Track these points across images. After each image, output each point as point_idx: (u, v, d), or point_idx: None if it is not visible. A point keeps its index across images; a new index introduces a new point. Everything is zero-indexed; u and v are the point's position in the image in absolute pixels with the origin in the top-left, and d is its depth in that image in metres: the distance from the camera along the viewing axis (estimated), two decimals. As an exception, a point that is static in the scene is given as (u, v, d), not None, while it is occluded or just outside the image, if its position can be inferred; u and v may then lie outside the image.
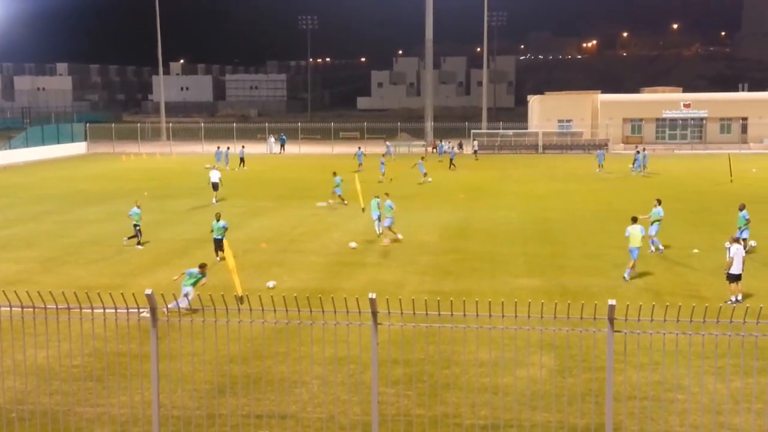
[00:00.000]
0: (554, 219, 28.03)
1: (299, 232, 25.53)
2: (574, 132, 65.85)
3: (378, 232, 23.42)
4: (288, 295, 16.30)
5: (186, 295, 14.64)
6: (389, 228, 23.12)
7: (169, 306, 13.53)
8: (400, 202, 32.53)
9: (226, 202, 32.51)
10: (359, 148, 49.99)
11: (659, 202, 21.64)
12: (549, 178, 42.89)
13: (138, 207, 22.87)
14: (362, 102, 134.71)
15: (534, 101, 70.88)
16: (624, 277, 18.02)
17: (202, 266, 15.56)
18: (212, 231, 20.37)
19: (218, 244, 20.14)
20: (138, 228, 22.61)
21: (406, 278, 18.62)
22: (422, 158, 44.30)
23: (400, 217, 28.84)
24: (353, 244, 22.82)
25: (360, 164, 46.84)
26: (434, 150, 61.40)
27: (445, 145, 58.86)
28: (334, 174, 31.23)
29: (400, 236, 23.29)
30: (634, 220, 18.86)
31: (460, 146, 63.81)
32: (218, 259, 19.92)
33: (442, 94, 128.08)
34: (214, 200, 32.87)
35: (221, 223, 20.79)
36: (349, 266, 20.01)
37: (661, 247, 21.24)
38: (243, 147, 52.81)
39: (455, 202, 32.92)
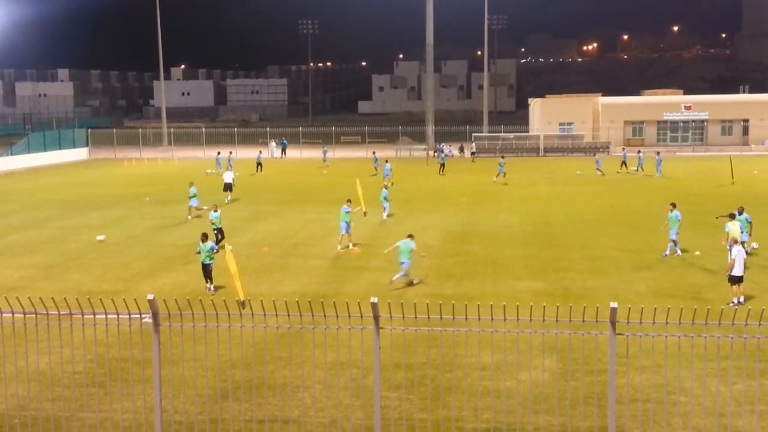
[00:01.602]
0: (556, 222, 28.02)
1: (301, 237, 25.56)
2: (575, 135, 65.86)
3: (348, 243, 23.07)
4: (290, 300, 16.31)
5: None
6: (348, 235, 22.78)
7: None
8: (402, 205, 32.54)
9: (228, 207, 32.56)
10: (374, 152, 49.99)
11: (674, 206, 21.38)
12: (550, 181, 42.88)
13: (216, 210, 22.83)
14: (363, 106, 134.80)
15: (535, 104, 70.94)
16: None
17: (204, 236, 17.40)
18: (198, 253, 17.89)
19: (207, 271, 17.38)
20: (217, 230, 22.56)
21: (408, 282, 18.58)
22: (502, 157, 44.51)
23: (402, 221, 28.85)
24: (338, 248, 22.80)
25: (377, 168, 46.85)
26: (435, 154, 61.47)
27: (446, 148, 58.86)
28: (191, 185, 29.43)
29: (352, 246, 22.79)
30: (732, 216, 18.37)
31: (461, 150, 63.86)
32: (208, 287, 17.33)
33: (443, 97, 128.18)
34: (227, 199, 33.67)
35: (209, 245, 18.07)
36: (351, 270, 20.01)
37: (678, 251, 21.05)
38: (260, 152, 52.74)
39: (457, 205, 32.92)
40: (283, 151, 64.77)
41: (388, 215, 29.67)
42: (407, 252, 18.03)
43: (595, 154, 50.53)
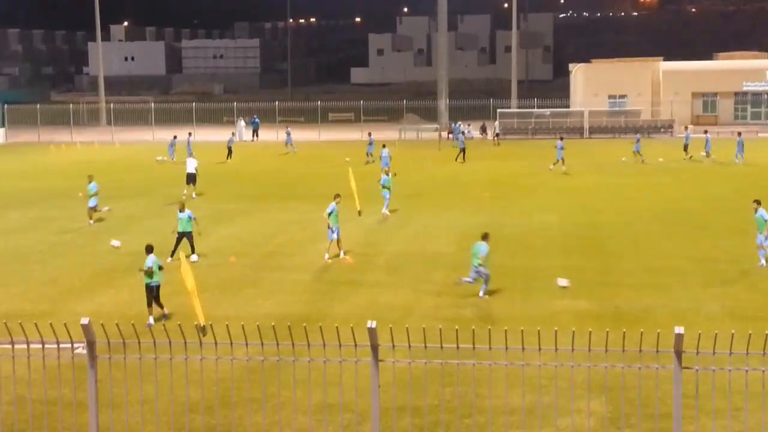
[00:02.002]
0: (605, 222, 28.10)
1: (278, 243, 25.62)
2: (630, 111, 66.03)
3: (337, 252, 23.04)
4: (263, 324, 16.30)
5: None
6: (338, 240, 22.89)
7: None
8: (407, 202, 32.61)
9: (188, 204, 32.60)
10: (370, 134, 49.79)
11: (758, 203, 21.27)
12: (598, 169, 43.00)
13: (183, 211, 22.53)
14: (357, 74, 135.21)
15: (577, 72, 71.11)
16: None
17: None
18: (144, 271, 17.06)
19: (153, 296, 17.12)
20: (182, 235, 22.53)
21: (415, 301, 18.69)
22: (560, 138, 44.56)
23: (407, 221, 28.90)
24: (325, 258, 22.84)
25: (370, 154, 46.86)
26: (450, 136, 61.57)
27: (464, 127, 59.03)
28: (89, 179, 28.63)
29: (343, 255, 22.94)
30: None
31: (484, 130, 64.00)
32: (149, 323, 16.61)
33: (459, 63, 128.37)
34: (193, 195, 34.36)
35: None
36: (342, 286, 20.08)
37: (763, 260, 20.99)
38: (233, 135, 52.81)
39: (477, 201, 33.00)
40: (255, 132, 64.87)
41: (389, 210, 29.74)
42: (477, 258, 18.63)
43: (636, 134, 50.55)
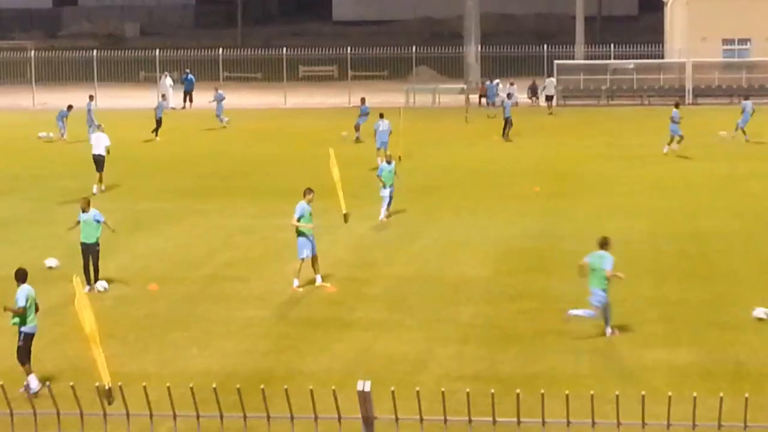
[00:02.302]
0: (714, 231, 28.14)
1: (223, 262, 25.62)
2: (754, 63, 65.99)
3: (313, 274, 23.09)
4: (201, 385, 16.25)
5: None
6: (313, 258, 22.91)
7: None
8: (419, 199, 32.59)
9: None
10: (363, 100, 48.96)
11: None
12: (706, 152, 42.95)
13: (87, 212, 23.04)
14: (343, 7, 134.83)
15: (675, 5, 71.01)
16: None
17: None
18: (11, 312, 16.93)
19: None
20: (88, 248, 22.92)
21: (429, 349, 18.68)
22: (676, 105, 44.84)
23: (419, 230, 28.85)
24: (294, 284, 22.83)
25: (357, 129, 46.42)
26: (482, 99, 61.48)
27: (500, 88, 58.97)
28: None
29: (320, 280, 23.04)
30: None
31: (533, 92, 63.94)
32: (26, 384, 16.38)
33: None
34: (101, 187, 35.10)
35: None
36: (320, 327, 20.08)
37: None
38: (162, 98, 52.66)
39: (523, 199, 32.97)
40: (188, 95, 64.79)
41: (387, 215, 29.76)
42: (601, 277, 18.82)
43: (745, 99, 50.38)
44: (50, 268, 24.34)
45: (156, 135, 48.51)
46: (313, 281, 23.05)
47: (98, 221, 22.84)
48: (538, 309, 21.14)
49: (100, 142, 35.61)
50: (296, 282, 22.79)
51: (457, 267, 24.72)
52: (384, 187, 29.61)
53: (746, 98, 49.65)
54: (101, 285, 22.60)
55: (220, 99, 53.96)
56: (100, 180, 35.15)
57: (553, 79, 62.41)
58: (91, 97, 49.98)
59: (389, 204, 29.85)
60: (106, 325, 18.40)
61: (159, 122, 48.95)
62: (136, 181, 37.23)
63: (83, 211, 22.83)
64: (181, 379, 16.91)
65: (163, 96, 54.50)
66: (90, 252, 22.73)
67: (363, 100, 48.85)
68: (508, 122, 47.62)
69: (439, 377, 16.94)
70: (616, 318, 20.35)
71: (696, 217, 29.99)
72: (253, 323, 20.42)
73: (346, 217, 26.86)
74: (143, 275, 24.14)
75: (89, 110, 47.50)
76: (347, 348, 18.85)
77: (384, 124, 40.32)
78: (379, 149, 39.04)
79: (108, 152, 35.36)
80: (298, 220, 23.03)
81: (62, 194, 33.83)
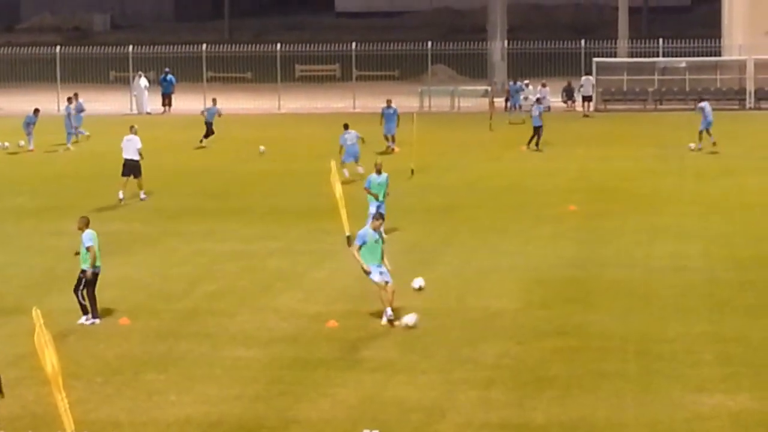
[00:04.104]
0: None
1: (206, 294, 25.64)
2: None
3: None
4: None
5: None
6: None
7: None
8: (436, 219, 32.63)
9: (39, 221, 32.86)
10: (389, 103, 48.06)
11: None
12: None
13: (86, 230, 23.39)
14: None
15: (735, -6, 70.92)
16: None
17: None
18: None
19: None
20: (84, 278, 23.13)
21: (449, 396, 18.58)
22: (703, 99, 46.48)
23: (436, 255, 28.85)
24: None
25: (390, 139, 46.26)
26: (507, 103, 61.57)
27: (530, 90, 58.94)
28: None
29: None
30: None
31: (569, 94, 63.91)
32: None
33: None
34: (120, 195, 36.46)
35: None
36: (319, 369, 20.01)
37: None
38: (213, 103, 51.54)
39: (558, 220, 32.99)
40: (167, 97, 64.85)
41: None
42: None
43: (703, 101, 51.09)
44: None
45: (202, 142, 49.45)
46: (316, 316, 23.08)
47: (84, 245, 22.82)
48: (575, 347, 21.02)
49: (131, 145, 36.87)
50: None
51: (480, 299, 24.68)
52: (372, 202, 29.69)
53: (701, 100, 50.30)
54: (85, 319, 22.68)
55: (79, 110, 52.75)
56: (140, 186, 36.74)
57: (591, 78, 62.38)
58: (69, 100, 50.35)
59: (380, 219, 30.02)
60: (70, 366, 18.37)
61: (209, 127, 49.66)
62: (107, 199, 37.25)
63: (82, 230, 23.00)
64: (156, 428, 16.92)
65: (214, 101, 52.63)
66: (84, 279, 22.80)
67: (389, 102, 48.12)
68: (537, 132, 47.54)
69: (459, 427, 16.92)
70: (666, 357, 20.32)
71: (760, 241, 29.92)
72: (240, 364, 20.31)
73: (349, 240, 26.82)
74: (113, 308, 24.06)
75: (68, 114, 47.91)
76: (351, 393, 18.71)
77: (351, 136, 40.43)
78: (344, 163, 39.27)
79: (141, 156, 36.82)
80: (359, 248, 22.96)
81: (16, 214, 34.03)
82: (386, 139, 44.90)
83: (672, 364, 19.91)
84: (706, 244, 29.66)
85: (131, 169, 36.86)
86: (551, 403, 18.17)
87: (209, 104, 52.12)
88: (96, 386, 19.12)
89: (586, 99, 60.99)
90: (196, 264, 28.44)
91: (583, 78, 62.55)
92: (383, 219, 24.44)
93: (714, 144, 46.21)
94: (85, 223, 23.15)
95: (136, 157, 36.96)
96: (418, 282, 24.64)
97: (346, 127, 41.36)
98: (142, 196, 36.90)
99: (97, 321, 22.77)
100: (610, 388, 18.77)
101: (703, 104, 48.17)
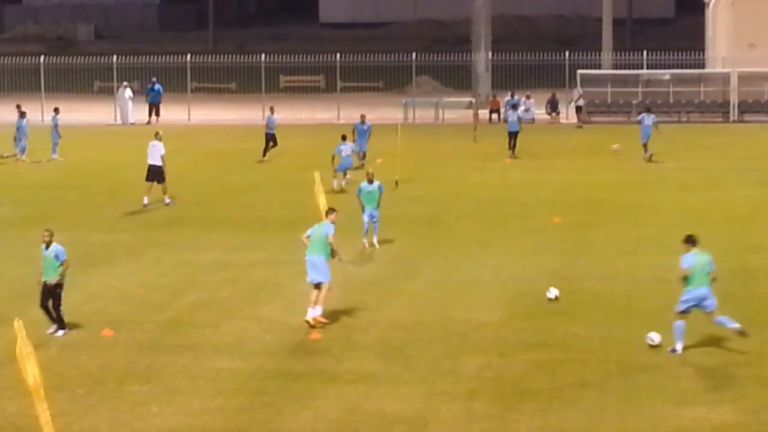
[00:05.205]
0: (765, 269, 28.24)
1: (189, 305, 25.63)
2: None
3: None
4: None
5: None
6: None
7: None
8: (420, 231, 32.64)
9: (21, 231, 32.71)
10: (363, 119, 47.37)
11: None
12: (754, 178, 43.00)
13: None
14: (330, 8, 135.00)
15: (719, 5, 71.06)
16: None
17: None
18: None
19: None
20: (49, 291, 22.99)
21: (431, 407, 18.62)
22: (648, 110, 47.26)
23: (419, 267, 28.86)
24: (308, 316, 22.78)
25: (361, 156, 45.63)
26: (492, 115, 61.50)
27: (522, 103, 58.98)
28: None
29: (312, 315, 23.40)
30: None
31: (553, 106, 63.96)
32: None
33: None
34: (145, 200, 37.85)
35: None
36: (301, 381, 20.02)
37: None
38: (272, 111, 50.37)
39: (541, 232, 33.03)
40: (154, 107, 64.72)
41: (370, 243, 30.21)
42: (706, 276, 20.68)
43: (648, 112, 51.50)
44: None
45: (264, 155, 48.44)
46: (298, 327, 23.10)
47: (58, 258, 22.69)
48: (558, 359, 21.04)
49: (155, 151, 37.76)
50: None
51: (463, 311, 24.67)
52: (364, 209, 29.85)
53: (648, 111, 50.38)
54: (58, 331, 22.59)
55: (55, 123, 51.13)
56: (164, 191, 37.53)
57: (578, 91, 62.36)
58: (56, 110, 50.28)
59: (375, 229, 29.98)
60: (52, 377, 18.39)
61: (271, 139, 48.65)
62: (90, 209, 37.28)
63: (45, 246, 22.84)
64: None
65: (272, 110, 51.34)
66: (49, 293, 22.60)
67: (363, 118, 47.34)
68: (513, 137, 48.32)
69: (441, 439, 16.90)
70: (648, 369, 20.38)
71: (743, 253, 29.97)
72: (223, 376, 20.31)
73: (333, 252, 26.83)
74: (96, 319, 24.06)
75: (55, 125, 47.83)
76: (333, 405, 18.72)
77: (347, 148, 40.57)
78: (336, 173, 39.63)
79: (163, 162, 37.74)
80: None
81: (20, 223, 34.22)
82: (358, 156, 44.36)
83: (654, 377, 19.97)
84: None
85: (155, 174, 37.88)
86: (533, 416, 18.20)
87: (267, 113, 50.89)
88: (78, 397, 19.12)
89: (580, 110, 60.90)
90: (179, 275, 28.42)
91: (575, 90, 62.50)
92: (335, 212, 24.64)
93: (649, 159, 47.00)
94: (51, 235, 23.05)
95: (160, 163, 37.84)
96: (553, 292, 25.20)
97: (343, 138, 41.57)
98: (167, 200, 37.71)
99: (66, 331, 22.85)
100: (593, 401, 18.83)
101: (642, 116, 48.60)
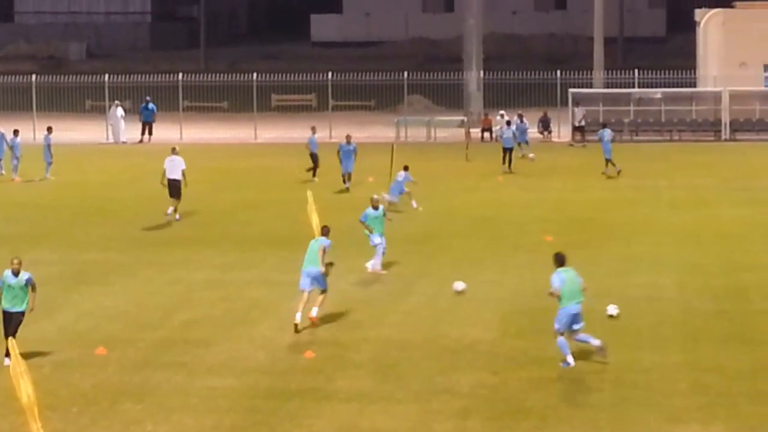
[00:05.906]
0: (756, 287, 28.20)
1: (182, 323, 25.61)
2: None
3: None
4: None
5: None
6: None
7: None
8: (413, 249, 32.61)
9: (13, 248, 32.39)
10: (349, 140, 47.09)
11: None
12: (746, 196, 43.08)
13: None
14: (323, 27, 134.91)
15: (710, 23, 71.17)
16: None
17: None
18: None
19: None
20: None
21: (425, 425, 18.61)
22: (604, 126, 48.61)
23: (412, 285, 28.90)
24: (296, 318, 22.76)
25: (347, 178, 45.27)
26: (484, 134, 61.52)
27: (515, 121, 59.01)
28: None
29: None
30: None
31: (545, 125, 63.97)
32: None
33: (503, 7, 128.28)
34: (169, 211, 38.29)
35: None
36: (295, 399, 20.02)
37: None
38: (313, 131, 49.05)
39: (534, 251, 32.92)
40: (147, 126, 64.69)
41: (376, 266, 30.17)
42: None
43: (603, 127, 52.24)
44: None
45: (314, 175, 47.16)
46: (292, 346, 23.17)
47: (28, 284, 22.00)
48: (551, 377, 21.09)
49: (175, 166, 38.09)
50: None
51: (456, 329, 24.67)
52: (371, 234, 29.74)
53: (603, 126, 50.90)
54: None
55: (48, 143, 50.86)
56: (176, 209, 37.92)
57: (579, 110, 62.13)
58: (49, 129, 50.31)
59: (381, 254, 29.93)
60: (45, 396, 18.35)
61: (314, 159, 47.50)
62: (82, 228, 37.23)
63: (13, 274, 21.94)
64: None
65: (313, 129, 49.90)
66: (13, 322, 21.81)
67: (348, 139, 46.31)
68: (508, 153, 49.03)
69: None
70: (641, 386, 20.40)
71: (734, 271, 30.01)
72: (216, 394, 20.29)
73: (326, 270, 26.85)
74: (89, 337, 24.05)
75: (48, 145, 47.88)
76: (327, 424, 18.74)
77: (350, 148, 43.09)
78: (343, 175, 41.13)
79: (184, 177, 38.25)
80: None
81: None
82: (343, 179, 44.46)
83: (647, 394, 20.00)
84: (680, 274, 29.79)
85: (174, 189, 38.30)
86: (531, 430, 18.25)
87: (308, 134, 49.25)
88: (72, 416, 19.10)
89: (580, 127, 60.83)
90: (172, 293, 28.40)
91: (575, 110, 62.31)
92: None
93: (610, 175, 47.77)
94: (20, 263, 22.14)
95: (179, 177, 38.20)
96: (613, 309, 25.51)
97: (348, 139, 43.75)
98: (176, 216, 38.15)
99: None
100: (586, 418, 18.85)
101: (600, 132, 49.57)
